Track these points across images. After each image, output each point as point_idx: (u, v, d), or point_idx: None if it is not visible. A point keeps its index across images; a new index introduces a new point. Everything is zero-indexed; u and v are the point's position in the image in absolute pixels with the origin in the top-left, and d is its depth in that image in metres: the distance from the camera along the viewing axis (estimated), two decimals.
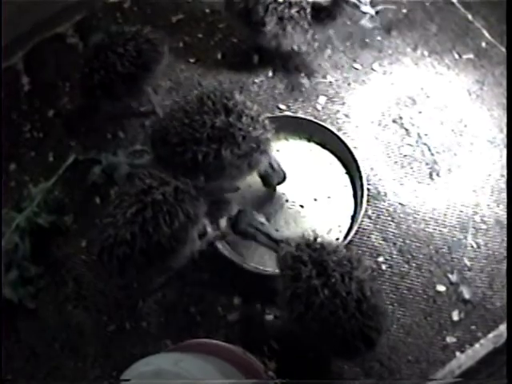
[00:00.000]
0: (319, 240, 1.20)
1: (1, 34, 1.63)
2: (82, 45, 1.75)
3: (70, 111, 1.66)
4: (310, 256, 1.16)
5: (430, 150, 1.53)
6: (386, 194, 1.49)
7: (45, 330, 1.43)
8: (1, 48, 1.69)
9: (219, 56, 1.70)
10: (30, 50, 1.76)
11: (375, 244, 1.44)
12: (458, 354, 1.34)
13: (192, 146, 1.26)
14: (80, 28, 1.78)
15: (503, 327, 1.35)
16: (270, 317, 1.38)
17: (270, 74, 1.66)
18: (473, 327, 1.35)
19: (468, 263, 1.41)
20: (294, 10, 1.48)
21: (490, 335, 1.35)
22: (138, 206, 1.21)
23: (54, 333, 1.42)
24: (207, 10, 1.76)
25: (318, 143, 1.53)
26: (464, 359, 1.33)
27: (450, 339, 1.35)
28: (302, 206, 1.47)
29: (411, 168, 1.51)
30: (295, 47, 1.60)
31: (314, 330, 1.14)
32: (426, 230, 1.45)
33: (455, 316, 1.36)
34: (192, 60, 1.70)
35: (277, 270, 1.33)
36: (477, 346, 1.34)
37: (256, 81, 1.65)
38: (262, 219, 1.34)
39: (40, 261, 1.47)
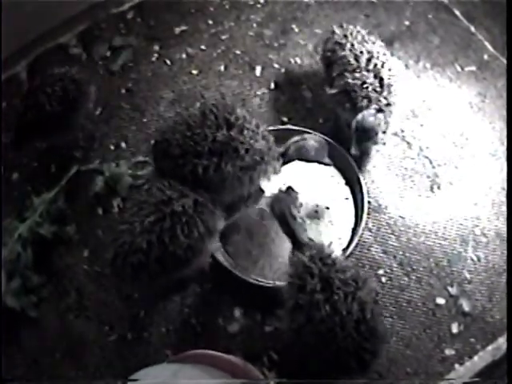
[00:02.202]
0: (333, 256, 1.21)
1: (0, 43, 1.64)
2: (85, 55, 1.76)
3: None
4: (320, 270, 1.17)
5: (431, 162, 1.53)
6: (386, 207, 1.49)
7: (46, 339, 1.43)
8: (0, 59, 1.70)
9: (222, 68, 1.70)
10: (33, 60, 1.77)
11: (375, 256, 1.45)
12: (456, 366, 1.34)
13: (192, 158, 1.27)
14: (83, 38, 1.79)
15: (502, 340, 1.36)
16: (269, 328, 1.39)
17: (273, 86, 1.66)
18: (472, 340, 1.36)
19: (468, 276, 1.42)
20: (361, 94, 1.40)
21: (489, 348, 1.36)
22: (157, 215, 1.22)
23: (55, 342, 1.43)
24: (210, 22, 1.77)
25: None
26: (463, 372, 1.34)
27: (449, 352, 1.35)
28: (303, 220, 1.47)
29: (412, 181, 1.52)
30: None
31: (311, 343, 1.14)
32: (427, 242, 1.45)
33: (454, 328, 1.37)
34: (195, 72, 1.70)
35: (277, 282, 1.36)
36: (475, 358, 1.35)
37: (258, 93, 1.65)
38: (297, 213, 1.34)
39: (42, 270, 1.48)
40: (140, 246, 1.21)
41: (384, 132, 1.43)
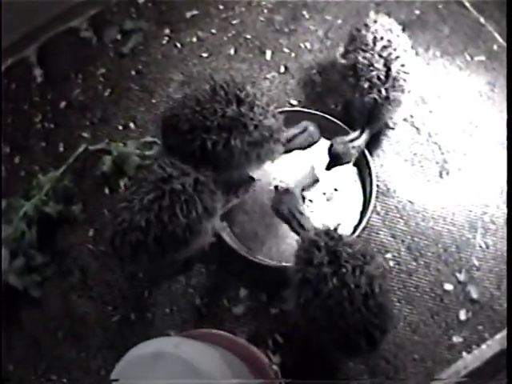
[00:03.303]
0: (339, 231, 1.21)
1: (1, 31, 1.65)
2: (96, 39, 1.77)
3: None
4: (326, 243, 1.16)
5: (440, 148, 1.52)
6: (395, 191, 1.48)
7: (48, 319, 1.43)
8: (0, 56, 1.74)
9: (232, 51, 1.70)
10: (43, 44, 1.78)
11: (383, 240, 1.43)
12: (464, 354, 1.32)
13: (202, 133, 1.26)
14: (94, 22, 1.79)
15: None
16: (275, 310, 1.38)
17: (282, 69, 1.66)
18: (480, 327, 1.34)
19: (476, 263, 1.40)
20: (365, 75, 1.39)
21: (497, 336, 1.33)
22: (156, 193, 1.21)
23: (57, 322, 1.42)
24: (221, 7, 1.77)
25: (328, 139, 1.51)
26: (470, 360, 1.32)
27: (456, 339, 1.33)
28: (311, 201, 1.47)
29: (421, 166, 1.50)
30: None
31: (319, 319, 1.13)
32: (435, 228, 1.44)
33: (462, 315, 1.35)
34: (205, 55, 1.70)
35: (284, 263, 1.37)
36: (483, 346, 1.33)
37: (268, 76, 1.65)
38: (302, 208, 1.34)
39: (46, 249, 1.47)
40: (138, 224, 1.20)
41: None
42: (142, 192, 1.22)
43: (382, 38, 1.41)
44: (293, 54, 1.68)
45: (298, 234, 1.29)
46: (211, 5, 1.78)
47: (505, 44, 1.66)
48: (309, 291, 1.13)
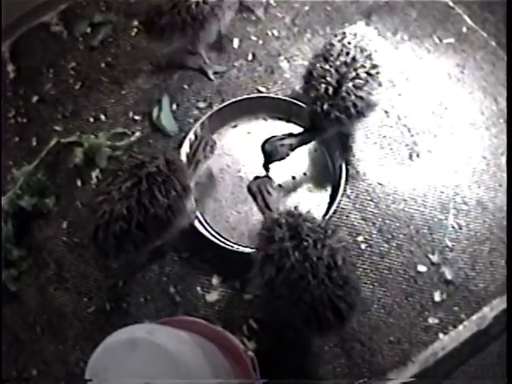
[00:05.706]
0: (299, 209, 1.21)
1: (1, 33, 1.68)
2: (67, 33, 1.78)
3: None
4: (287, 220, 1.17)
5: (409, 131, 1.52)
6: (365, 174, 1.48)
7: (27, 314, 1.43)
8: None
9: None
10: (16, 39, 1.79)
11: (354, 223, 1.44)
12: (441, 335, 1.32)
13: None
14: (64, 17, 1.80)
15: (487, 309, 1.34)
16: (248, 296, 1.38)
17: (250, 57, 1.66)
18: (455, 308, 1.34)
19: (449, 244, 1.40)
20: (314, 83, 1.33)
21: (474, 317, 1.34)
22: (133, 179, 1.22)
23: (35, 316, 1.43)
24: None
25: (297, 124, 1.53)
26: (448, 341, 1.32)
27: (432, 320, 1.33)
28: (280, 186, 1.47)
29: (390, 149, 1.51)
30: None
31: (285, 295, 1.13)
32: (406, 210, 1.44)
33: (437, 297, 1.35)
34: None
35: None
36: (460, 327, 1.33)
37: (236, 64, 1.65)
38: (272, 190, 1.36)
39: (23, 243, 1.48)
40: (120, 212, 1.21)
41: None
42: (119, 181, 1.23)
43: (347, 54, 1.33)
44: (260, 42, 1.68)
45: (263, 213, 1.31)
46: None
47: (475, 26, 1.66)
48: (272, 267, 1.14)
